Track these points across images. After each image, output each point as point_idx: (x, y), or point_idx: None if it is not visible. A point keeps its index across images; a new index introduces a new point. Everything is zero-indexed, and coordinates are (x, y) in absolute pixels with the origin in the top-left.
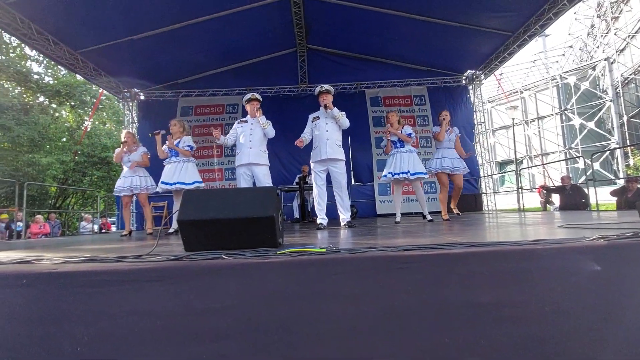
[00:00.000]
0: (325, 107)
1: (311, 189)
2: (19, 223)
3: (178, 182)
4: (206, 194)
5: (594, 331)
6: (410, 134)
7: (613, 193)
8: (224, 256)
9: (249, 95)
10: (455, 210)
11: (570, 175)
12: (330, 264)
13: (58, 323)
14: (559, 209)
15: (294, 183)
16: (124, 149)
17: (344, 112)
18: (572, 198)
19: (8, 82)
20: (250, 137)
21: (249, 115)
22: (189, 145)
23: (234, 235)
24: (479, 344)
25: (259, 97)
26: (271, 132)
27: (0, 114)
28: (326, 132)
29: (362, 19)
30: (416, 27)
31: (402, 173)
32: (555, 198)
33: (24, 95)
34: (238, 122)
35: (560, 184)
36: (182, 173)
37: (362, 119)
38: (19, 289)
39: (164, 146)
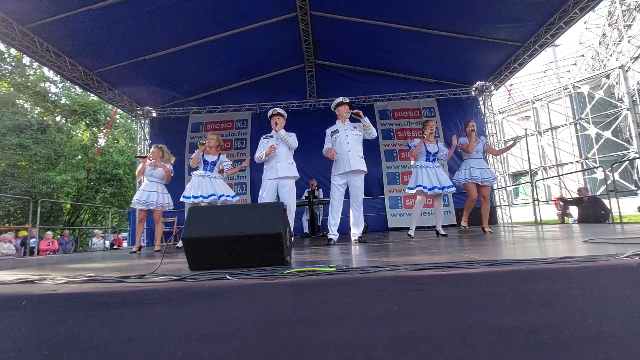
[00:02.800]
0: (359, 115)
1: (320, 203)
2: (32, 240)
3: (222, 195)
4: (211, 211)
5: None
6: (445, 154)
7: None
8: (228, 276)
9: (271, 111)
10: (488, 229)
11: (588, 187)
12: (341, 284)
13: (57, 349)
14: (578, 222)
15: (303, 197)
16: (147, 163)
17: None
18: (591, 210)
19: (27, 103)
20: (277, 152)
21: (273, 130)
22: (230, 164)
23: (240, 253)
24: None
25: (281, 112)
26: (294, 144)
27: (19, 133)
28: (347, 144)
29: (369, 33)
30: (424, 40)
31: (443, 188)
32: (573, 210)
33: (43, 116)
34: (264, 137)
35: (578, 196)
36: (215, 186)
37: None
38: (19, 311)
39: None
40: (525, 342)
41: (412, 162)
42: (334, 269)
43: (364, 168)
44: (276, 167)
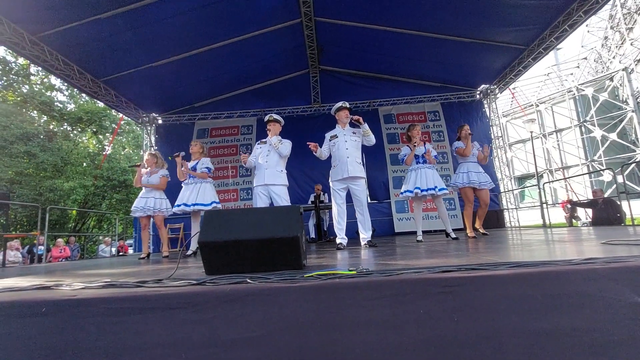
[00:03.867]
0: (358, 121)
1: (326, 208)
2: (40, 247)
3: (196, 204)
4: (228, 215)
5: None
6: (435, 156)
7: None
8: (249, 280)
9: (267, 117)
10: (482, 230)
11: (602, 189)
12: (364, 287)
13: (79, 356)
14: (591, 224)
15: (309, 202)
16: (141, 171)
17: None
18: (605, 212)
19: (35, 112)
20: (267, 158)
21: (268, 137)
22: (207, 167)
23: (257, 257)
24: None
25: (277, 117)
26: (284, 151)
27: (27, 141)
28: (346, 150)
29: (373, 38)
30: (428, 44)
31: (430, 189)
32: (581, 213)
33: (50, 125)
34: (258, 143)
35: (592, 198)
36: (199, 194)
37: (376, 137)
38: (39, 317)
39: (182, 168)
40: (556, 346)
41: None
42: (355, 272)
43: (363, 174)
44: (264, 174)
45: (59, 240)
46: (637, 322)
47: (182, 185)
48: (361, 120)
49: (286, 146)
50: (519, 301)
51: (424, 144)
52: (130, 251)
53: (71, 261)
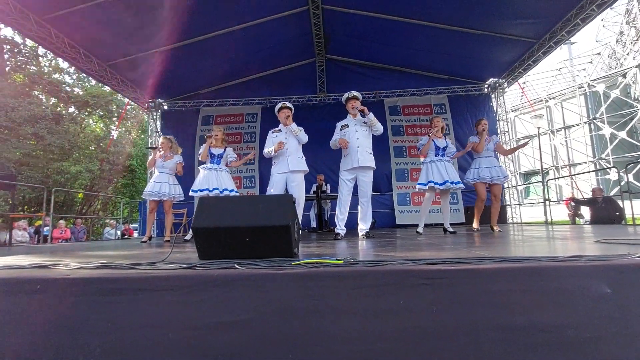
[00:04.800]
0: (363, 112)
1: (328, 198)
2: (46, 228)
3: (225, 189)
4: (221, 202)
5: None
6: (453, 152)
7: None
8: (237, 266)
9: (280, 104)
10: (496, 228)
11: (602, 187)
12: (348, 277)
13: (72, 332)
14: (590, 223)
15: (311, 192)
16: (157, 155)
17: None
18: (605, 211)
19: (42, 94)
20: (287, 146)
21: (281, 125)
22: (233, 156)
23: (249, 244)
24: None
25: (290, 105)
26: (304, 138)
27: (35, 123)
28: (356, 139)
29: (381, 28)
30: (436, 36)
31: (453, 183)
32: (585, 211)
33: (57, 107)
34: (272, 132)
35: (592, 196)
36: (219, 180)
37: None
38: (34, 294)
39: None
40: (532, 342)
41: (422, 160)
42: (341, 261)
43: (373, 164)
44: (287, 161)
45: (60, 222)
46: (612, 320)
47: (200, 168)
48: (366, 110)
49: (304, 133)
50: (498, 296)
51: (445, 138)
52: (135, 234)
53: (76, 243)
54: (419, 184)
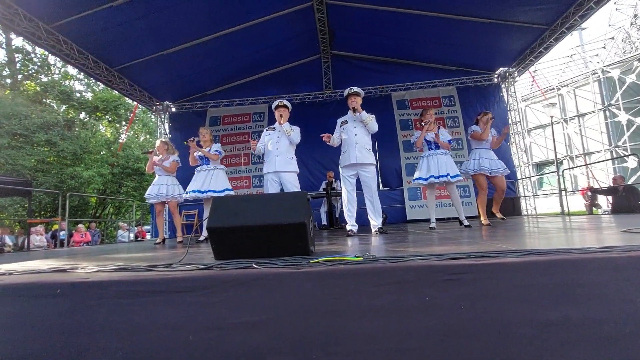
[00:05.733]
0: (354, 110)
1: (338, 195)
2: (62, 232)
3: (209, 190)
4: (236, 201)
5: None
6: (449, 141)
7: None
8: (255, 265)
9: (276, 102)
10: (499, 215)
11: (623, 176)
12: (369, 274)
13: (92, 335)
14: (611, 212)
15: (321, 189)
16: (153, 158)
17: (373, 116)
18: (626, 200)
19: (54, 102)
20: (277, 145)
21: (277, 123)
22: (217, 151)
23: (265, 243)
24: None
25: (286, 103)
26: (296, 138)
27: (47, 130)
28: (355, 136)
29: (386, 21)
30: (443, 26)
31: (442, 176)
32: (602, 200)
33: (68, 114)
34: (266, 130)
35: (612, 185)
36: (212, 180)
37: (389, 123)
38: (54, 298)
39: (196, 153)
40: (568, 337)
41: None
42: (361, 258)
43: (371, 161)
44: (275, 160)
45: (80, 226)
46: None
47: (195, 171)
48: (359, 109)
49: (297, 133)
50: (528, 290)
51: (438, 128)
52: (148, 237)
53: (92, 246)
54: (414, 179)
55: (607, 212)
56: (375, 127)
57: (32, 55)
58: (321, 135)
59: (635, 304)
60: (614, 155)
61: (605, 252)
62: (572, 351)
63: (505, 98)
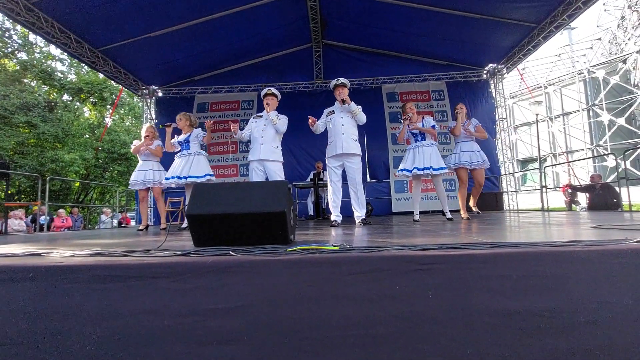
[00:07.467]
0: (343, 101)
1: (326, 185)
2: (42, 217)
3: (190, 176)
4: (216, 188)
5: (634, 349)
6: (433, 126)
7: None
8: (231, 252)
9: (265, 90)
10: (475, 209)
11: (600, 174)
12: (343, 263)
13: (66, 320)
14: (588, 209)
15: (308, 179)
16: (145, 143)
17: (360, 107)
18: (603, 198)
19: (34, 81)
20: (263, 133)
21: (264, 111)
22: (202, 134)
23: (245, 231)
24: (504, 357)
25: (274, 92)
26: (282, 127)
27: (27, 111)
28: (341, 126)
29: (379, 12)
30: (435, 20)
31: (426, 168)
32: (581, 197)
33: (50, 95)
34: (253, 117)
35: (590, 183)
36: (192, 166)
37: (378, 115)
38: (26, 282)
39: (173, 140)
40: (527, 326)
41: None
42: (337, 247)
43: (357, 151)
44: (259, 149)
45: (61, 210)
46: (607, 304)
47: (175, 157)
48: (348, 100)
49: (283, 122)
50: (494, 281)
51: (423, 118)
52: (132, 223)
53: (72, 231)
54: (399, 170)
55: (584, 209)
56: (363, 118)
57: (13, 32)
58: (308, 116)
59: (589, 295)
60: (595, 154)
61: (569, 246)
62: (529, 339)
63: (494, 94)
